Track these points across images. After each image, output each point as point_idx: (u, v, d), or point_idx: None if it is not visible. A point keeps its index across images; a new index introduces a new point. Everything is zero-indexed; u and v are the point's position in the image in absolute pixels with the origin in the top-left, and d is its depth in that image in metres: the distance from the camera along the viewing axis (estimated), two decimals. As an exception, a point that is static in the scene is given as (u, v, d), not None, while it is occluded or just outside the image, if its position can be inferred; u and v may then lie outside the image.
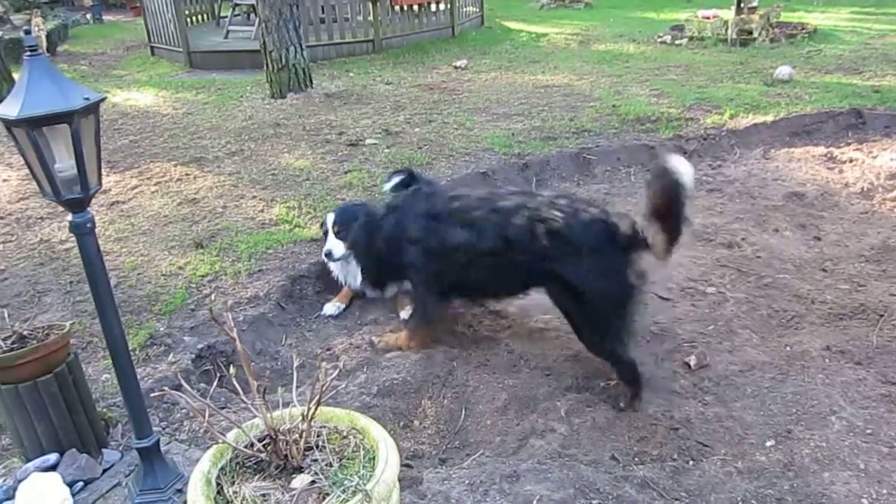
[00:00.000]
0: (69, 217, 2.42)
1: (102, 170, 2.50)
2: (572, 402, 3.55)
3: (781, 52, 10.57)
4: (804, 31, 11.67)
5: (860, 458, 3.02)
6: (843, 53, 10.27)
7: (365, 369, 3.91)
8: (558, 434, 3.30)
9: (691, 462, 3.12)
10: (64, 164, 2.31)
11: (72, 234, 2.44)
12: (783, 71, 8.92)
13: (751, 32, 11.30)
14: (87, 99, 2.26)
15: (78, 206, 2.39)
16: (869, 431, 3.18)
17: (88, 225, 2.43)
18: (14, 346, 2.91)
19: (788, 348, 3.90)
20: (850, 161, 6.52)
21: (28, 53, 2.23)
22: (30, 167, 2.34)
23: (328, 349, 4.19)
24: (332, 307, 4.55)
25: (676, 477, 2.93)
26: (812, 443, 3.14)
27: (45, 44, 12.80)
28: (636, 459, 3.18)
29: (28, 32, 2.30)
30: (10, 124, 2.21)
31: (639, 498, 2.78)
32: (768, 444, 3.19)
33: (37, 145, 2.22)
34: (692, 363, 3.81)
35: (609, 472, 2.97)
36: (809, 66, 9.57)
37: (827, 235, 5.19)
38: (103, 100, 2.37)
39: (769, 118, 7.40)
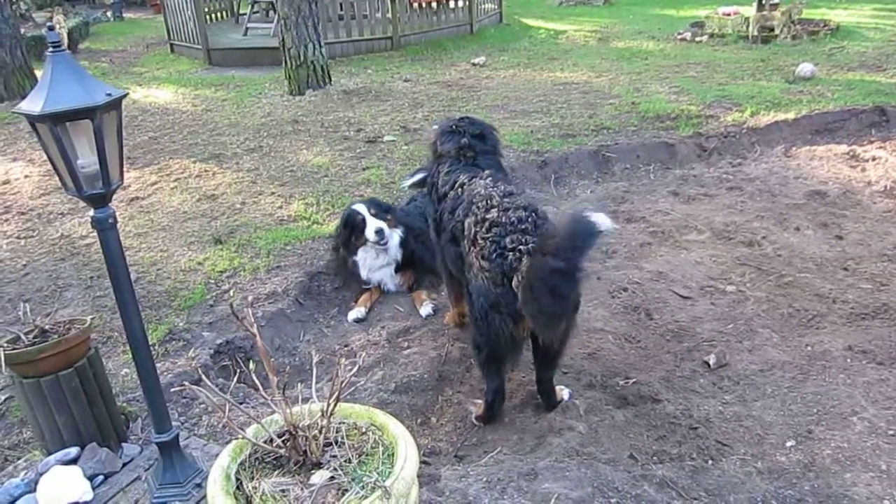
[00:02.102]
0: (91, 212, 2.43)
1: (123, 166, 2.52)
2: (591, 400, 3.54)
3: (803, 50, 10.46)
4: (826, 27, 11.54)
5: (882, 459, 2.99)
6: (867, 51, 10.15)
7: (382, 366, 3.92)
8: (576, 432, 3.29)
9: (710, 462, 3.10)
10: (86, 159, 2.32)
11: (92, 230, 2.46)
12: (805, 68, 8.83)
13: (772, 29, 11.20)
14: (109, 95, 2.27)
15: (100, 201, 2.41)
16: (891, 432, 3.14)
17: (110, 220, 2.44)
18: (36, 340, 2.93)
19: (809, 348, 3.87)
20: (873, 159, 6.45)
21: (51, 50, 2.25)
22: (52, 163, 2.36)
23: (346, 345, 4.21)
24: (356, 313, 4.54)
25: (696, 476, 2.91)
26: (833, 443, 3.10)
27: (66, 41, 12.90)
28: (655, 458, 3.16)
29: (52, 29, 2.31)
30: (33, 120, 2.23)
31: (657, 497, 2.76)
32: (788, 444, 3.16)
33: (60, 141, 2.24)
34: (712, 362, 3.78)
35: (628, 470, 2.96)
36: (832, 64, 9.47)
37: (849, 234, 5.13)
38: (125, 96, 2.38)
39: (791, 116, 7.32)
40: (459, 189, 3.56)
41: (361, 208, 4.60)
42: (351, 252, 4.63)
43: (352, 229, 4.59)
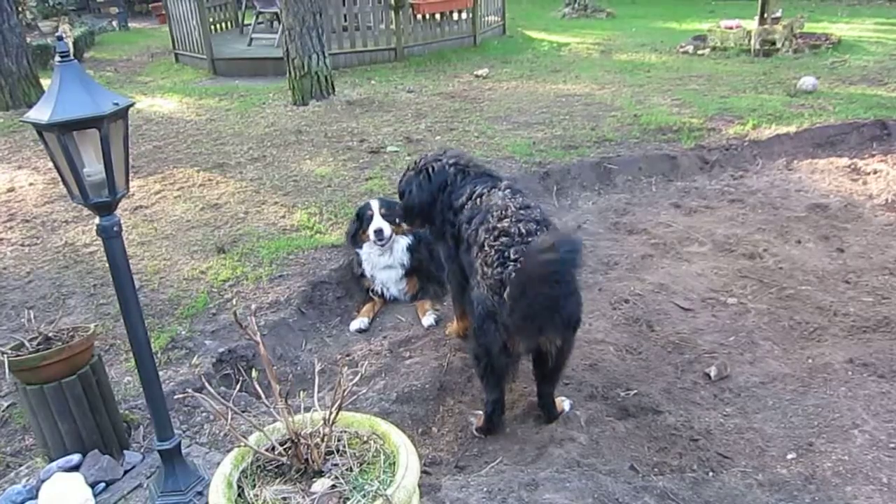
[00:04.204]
0: (96, 220, 2.45)
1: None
2: (592, 411, 3.54)
3: (805, 63, 10.50)
4: (828, 41, 11.58)
5: (883, 472, 2.99)
6: (868, 64, 10.18)
7: (384, 375, 3.93)
8: (577, 443, 3.29)
9: (711, 474, 3.10)
10: (93, 168, 2.34)
11: (96, 238, 2.48)
12: (807, 81, 8.85)
13: (774, 43, 11.23)
14: (116, 104, 2.29)
15: (105, 209, 2.43)
16: (892, 445, 3.14)
17: (115, 228, 2.46)
18: (40, 347, 2.95)
19: (810, 360, 3.87)
20: (875, 172, 6.46)
21: (59, 59, 2.27)
22: (59, 171, 2.38)
23: (348, 355, 4.22)
24: (358, 323, 4.56)
25: (696, 488, 2.91)
26: (834, 456, 3.10)
27: (72, 50, 12.96)
28: (656, 470, 3.16)
29: (60, 39, 2.34)
30: (41, 129, 2.25)
31: (658, 509, 2.77)
32: (789, 456, 3.16)
33: (67, 150, 2.26)
34: (713, 374, 3.79)
35: (628, 482, 2.96)
36: (833, 77, 9.50)
37: (850, 247, 5.14)
38: (132, 105, 2.41)
39: (792, 129, 7.34)
40: (478, 199, 3.58)
41: (374, 204, 4.66)
42: (357, 245, 4.70)
43: (361, 222, 4.67)
